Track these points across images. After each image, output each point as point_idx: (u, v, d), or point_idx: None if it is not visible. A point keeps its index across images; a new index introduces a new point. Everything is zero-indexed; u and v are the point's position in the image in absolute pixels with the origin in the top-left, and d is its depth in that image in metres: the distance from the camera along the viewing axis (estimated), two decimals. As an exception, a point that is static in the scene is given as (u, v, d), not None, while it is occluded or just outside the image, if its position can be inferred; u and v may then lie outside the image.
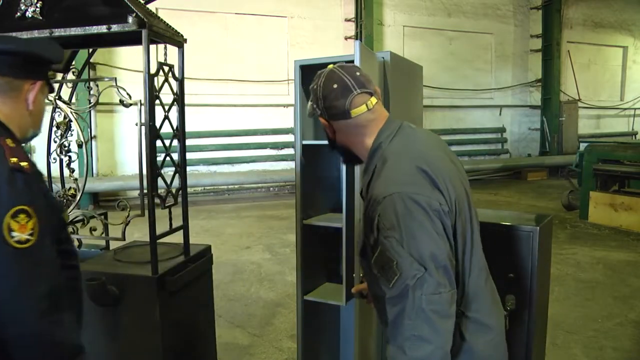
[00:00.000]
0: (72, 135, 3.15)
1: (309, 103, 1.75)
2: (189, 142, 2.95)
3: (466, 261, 1.59)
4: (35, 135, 1.75)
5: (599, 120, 16.71)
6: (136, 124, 2.51)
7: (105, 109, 10.70)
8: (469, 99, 14.25)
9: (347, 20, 12.87)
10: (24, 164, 1.46)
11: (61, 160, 3.53)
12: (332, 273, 3.33)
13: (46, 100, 2.95)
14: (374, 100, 1.67)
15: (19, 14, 2.64)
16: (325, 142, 3.04)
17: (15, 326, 1.41)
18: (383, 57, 2.87)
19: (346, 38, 12.86)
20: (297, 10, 12.42)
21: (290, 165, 12.03)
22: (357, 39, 12.51)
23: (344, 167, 3.05)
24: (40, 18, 2.62)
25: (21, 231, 1.40)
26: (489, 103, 14.62)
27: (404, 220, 1.43)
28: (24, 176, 1.45)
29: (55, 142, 3.62)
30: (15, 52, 1.58)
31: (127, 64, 10.37)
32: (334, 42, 12.60)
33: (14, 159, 1.45)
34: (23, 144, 1.60)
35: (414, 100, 3.38)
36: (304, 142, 3.02)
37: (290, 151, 12.20)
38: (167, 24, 2.76)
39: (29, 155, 1.54)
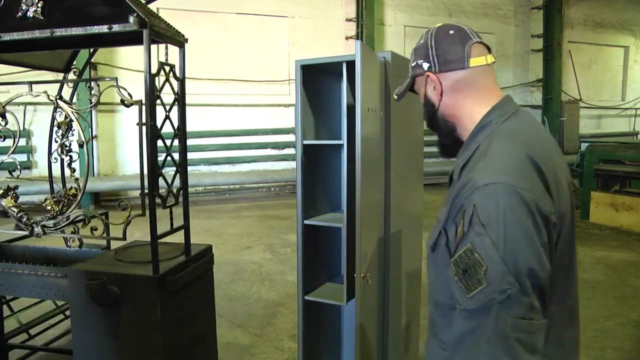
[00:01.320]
0: (73, 135, 3.15)
1: (412, 63, 1.55)
2: (189, 141, 2.95)
3: (553, 297, 1.29)
4: None
5: (600, 120, 16.70)
6: (137, 124, 2.50)
7: (106, 109, 10.71)
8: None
9: (348, 20, 12.87)
10: None
11: (62, 160, 3.53)
12: (333, 273, 3.34)
13: (47, 100, 2.96)
14: (491, 58, 1.47)
15: (20, 14, 2.64)
16: (327, 142, 3.09)
17: None
18: (384, 57, 2.87)
19: (347, 38, 12.87)
20: (298, 10, 12.43)
21: (291, 165, 12.04)
22: (358, 39, 12.50)
23: (344, 167, 3.05)
24: (42, 18, 2.62)
25: None
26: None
27: (505, 218, 1.17)
28: None
29: (56, 141, 3.63)
30: None
31: (128, 64, 10.38)
32: (334, 42, 12.60)
33: None
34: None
35: (415, 101, 3.37)
36: (305, 142, 3.02)
37: (291, 151, 12.21)
38: (168, 24, 2.76)
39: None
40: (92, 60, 3.85)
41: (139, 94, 2.58)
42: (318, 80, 3.11)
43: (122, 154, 11.26)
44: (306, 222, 3.03)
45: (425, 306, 3.70)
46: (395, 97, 1.66)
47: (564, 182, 1.34)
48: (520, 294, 1.15)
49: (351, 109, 2.80)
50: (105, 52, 10.42)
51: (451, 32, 1.47)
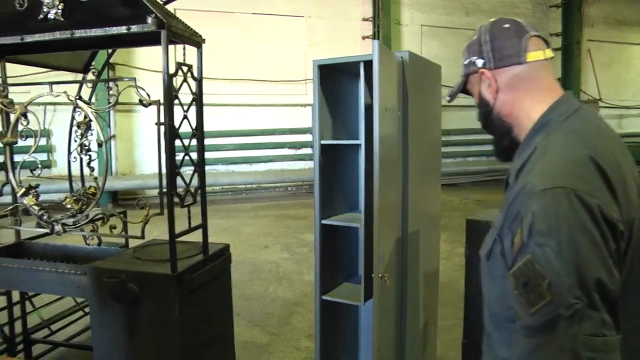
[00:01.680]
0: (92, 134, 3.18)
1: (464, 62, 1.49)
2: (207, 141, 2.96)
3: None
4: None
5: (621, 120, 16.42)
6: (155, 124, 2.52)
7: (124, 109, 10.81)
8: (487, 98, 14.08)
9: (364, 19, 12.85)
10: None
11: (81, 159, 3.57)
12: (350, 273, 3.33)
13: (66, 100, 2.99)
14: (550, 52, 1.38)
15: (41, 16, 2.69)
16: (344, 141, 3.09)
17: None
18: (402, 57, 2.85)
19: (364, 38, 12.85)
20: (314, 10, 12.44)
21: (308, 165, 12.06)
22: (374, 39, 12.48)
23: (362, 167, 3.04)
24: (62, 19, 2.66)
25: None
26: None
27: (567, 226, 1.07)
28: None
29: (75, 141, 3.67)
30: None
31: (146, 64, 10.45)
32: (351, 42, 12.58)
33: None
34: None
35: (433, 101, 3.36)
36: (323, 142, 3.01)
37: (308, 151, 12.22)
38: (186, 25, 2.78)
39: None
40: (111, 60, 3.87)
41: (157, 94, 2.60)
42: (335, 80, 3.11)
43: (140, 153, 11.37)
44: (324, 221, 3.03)
45: (443, 307, 3.71)
46: (448, 98, 1.59)
47: (632, 186, 1.22)
48: (589, 309, 1.05)
49: (368, 109, 2.80)
50: (123, 52, 10.50)
51: (506, 25, 1.40)
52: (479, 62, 1.42)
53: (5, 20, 2.81)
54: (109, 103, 2.87)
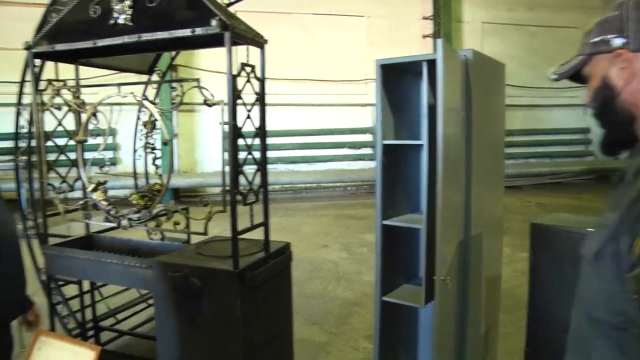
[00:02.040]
0: (157, 133, 3.28)
1: (593, 39, 1.34)
2: (268, 140, 3.00)
3: None
4: None
5: None
6: (219, 123, 2.57)
7: (186, 109, 11.09)
8: (550, 97, 13.49)
9: (424, 18, 12.67)
10: None
11: (146, 157, 3.70)
12: (411, 275, 3.29)
13: (131, 101, 3.10)
14: None
15: (112, 21, 2.86)
16: (407, 142, 3.05)
17: None
18: (465, 56, 2.80)
19: (424, 36, 12.68)
20: (374, 9, 12.36)
21: (368, 164, 12.01)
22: (435, 37, 12.30)
23: (424, 168, 3.00)
24: (131, 24, 2.79)
25: None
26: (572, 102, 13.86)
27: None
28: None
29: (140, 140, 3.80)
30: None
31: (207, 65, 10.66)
32: (411, 41, 12.42)
33: None
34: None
35: (497, 100, 3.28)
36: (385, 142, 2.99)
37: (368, 151, 12.17)
38: (248, 26, 2.82)
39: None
40: (173, 62, 3.99)
41: (217, 94, 2.66)
42: (397, 80, 3.08)
43: (201, 152, 11.67)
44: (385, 222, 3.00)
45: (503, 313, 3.60)
46: (555, 76, 1.46)
47: None
48: None
49: (431, 109, 2.76)
50: (185, 54, 10.74)
51: None
52: (617, 41, 1.25)
53: (81, 27, 2.99)
54: (173, 103, 2.95)
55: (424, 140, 2.87)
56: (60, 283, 3.65)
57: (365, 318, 4.73)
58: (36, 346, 3.17)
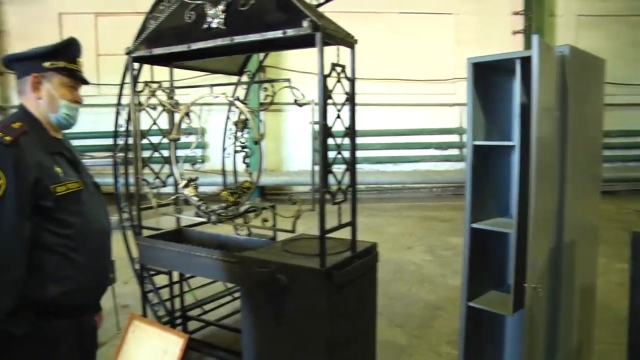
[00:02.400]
0: (248, 133, 3.36)
1: None
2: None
3: None
4: (59, 119, 2.04)
5: None
6: (309, 123, 2.60)
7: (273, 109, 11.23)
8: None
9: (515, 13, 12.13)
10: (7, 138, 1.80)
11: (234, 155, 3.81)
12: (498, 281, 3.19)
13: (219, 101, 3.19)
14: None
15: (205, 25, 2.99)
16: (498, 142, 2.97)
17: None
18: (562, 52, 2.68)
19: (514, 33, 12.12)
20: (463, 6, 12.02)
21: (454, 166, 11.77)
22: (525, 33, 11.81)
23: (516, 170, 2.90)
24: (224, 28, 2.89)
25: None
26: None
27: None
28: (2, 147, 1.78)
29: (229, 138, 3.93)
30: (10, 61, 2.00)
31: (293, 66, 10.80)
32: (500, 38, 11.92)
33: (0, 134, 1.80)
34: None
35: (594, 99, 3.11)
36: (475, 143, 2.92)
37: (455, 152, 11.92)
38: (338, 26, 2.84)
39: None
40: (262, 63, 4.09)
41: (304, 94, 2.69)
42: (488, 78, 2.99)
43: (287, 151, 11.89)
44: (473, 225, 2.93)
45: (600, 329, 3.41)
46: None
47: None
48: None
49: (524, 108, 2.66)
50: (272, 55, 10.93)
51: None
52: None
53: (176, 32, 3.16)
54: (261, 104, 3.02)
55: (515, 142, 2.78)
56: (152, 273, 3.86)
57: (448, 323, 4.64)
58: (130, 329, 3.38)
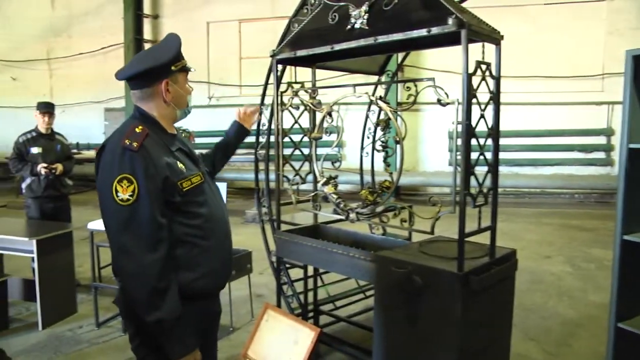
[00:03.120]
0: (389, 132, 3.37)
1: None
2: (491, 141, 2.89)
3: None
4: (186, 111, 2.22)
5: None
6: (452, 123, 2.54)
7: (411, 108, 11.11)
8: None
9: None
10: (134, 144, 1.91)
11: (373, 154, 3.82)
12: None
13: (356, 101, 3.19)
14: None
15: (349, 26, 3.03)
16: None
17: (114, 258, 1.95)
18: None
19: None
20: (620, -8, 10.94)
21: (599, 170, 10.96)
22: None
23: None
24: (367, 28, 2.92)
25: (123, 192, 1.87)
26: None
27: None
28: (131, 153, 1.90)
29: (368, 137, 3.95)
30: (133, 76, 2.06)
31: (431, 65, 10.60)
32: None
33: (127, 141, 1.91)
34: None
35: None
36: (631, 146, 2.69)
37: (600, 155, 11.10)
38: (483, 22, 2.74)
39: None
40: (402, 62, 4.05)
41: (443, 93, 2.64)
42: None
43: (423, 151, 11.74)
44: (626, 237, 2.71)
45: None
46: None
47: None
48: None
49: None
50: (411, 54, 10.78)
51: None
52: None
53: (319, 34, 3.24)
54: (398, 104, 3.01)
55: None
56: (287, 266, 3.97)
57: (589, 343, 4.31)
58: (264, 318, 3.52)
